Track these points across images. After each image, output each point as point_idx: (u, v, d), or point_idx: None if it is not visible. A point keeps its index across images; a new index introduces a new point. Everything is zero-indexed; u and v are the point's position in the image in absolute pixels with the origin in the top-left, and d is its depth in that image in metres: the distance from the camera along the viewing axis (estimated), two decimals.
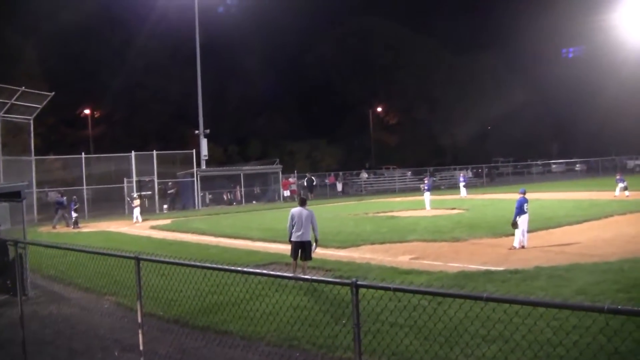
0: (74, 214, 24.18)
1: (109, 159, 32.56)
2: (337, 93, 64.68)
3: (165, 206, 32.81)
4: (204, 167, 35.99)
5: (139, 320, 5.46)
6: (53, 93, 28.98)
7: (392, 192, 43.37)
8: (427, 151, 65.31)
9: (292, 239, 10.16)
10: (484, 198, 29.56)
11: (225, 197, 36.91)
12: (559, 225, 15.66)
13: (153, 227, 22.69)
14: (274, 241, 15.23)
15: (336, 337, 5.93)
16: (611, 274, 8.78)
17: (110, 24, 55.09)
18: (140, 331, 5.49)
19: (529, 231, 12.74)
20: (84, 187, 29.86)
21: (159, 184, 32.60)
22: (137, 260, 5.31)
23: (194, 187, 33.96)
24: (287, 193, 38.28)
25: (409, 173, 50.40)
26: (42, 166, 30.78)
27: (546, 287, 8.24)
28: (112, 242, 15.68)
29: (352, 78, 65.45)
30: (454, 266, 10.59)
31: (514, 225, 12.44)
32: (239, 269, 4.54)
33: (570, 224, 15.89)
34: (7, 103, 26.39)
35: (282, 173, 38.83)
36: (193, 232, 19.56)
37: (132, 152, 31.53)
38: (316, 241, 10.32)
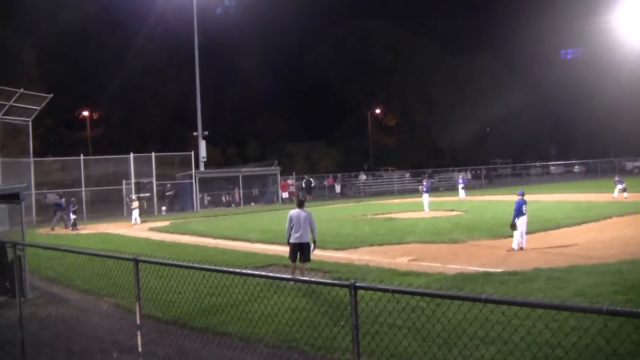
0: (72, 216, 24.14)
1: (108, 161, 32.60)
2: (335, 94, 64.53)
3: (163, 208, 32.80)
4: (202, 168, 35.97)
5: (138, 321, 5.45)
6: (51, 95, 29.03)
7: (390, 193, 43.37)
8: (425, 153, 65.25)
9: (291, 241, 10.16)
10: (483, 200, 29.58)
11: (223, 198, 36.90)
12: (558, 226, 15.68)
13: (152, 229, 22.66)
14: (273, 243, 15.19)
15: (335, 338, 5.93)
16: (610, 276, 8.80)
17: (108, 25, 55.14)
18: (138, 333, 5.48)
19: (527, 233, 12.76)
20: (83, 188, 29.86)
21: (157, 185, 32.60)
22: (136, 261, 5.30)
23: (192, 188, 33.94)
24: (285, 195, 38.31)
25: (408, 175, 50.46)
26: (41, 168, 30.82)
27: (545, 288, 8.24)
28: (110, 244, 15.64)
29: (351, 79, 65.29)
30: (453, 268, 10.59)
31: (513, 226, 12.44)
32: (238, 270, 4.54)
33: (568, 225, 15.93)
34: (6, 105, 26.38)
35: (281, 175, 38.83)
36: (191, 234, 19.54)
37: (131, 153, 31.55)
38: (314, 243, 10.31)
